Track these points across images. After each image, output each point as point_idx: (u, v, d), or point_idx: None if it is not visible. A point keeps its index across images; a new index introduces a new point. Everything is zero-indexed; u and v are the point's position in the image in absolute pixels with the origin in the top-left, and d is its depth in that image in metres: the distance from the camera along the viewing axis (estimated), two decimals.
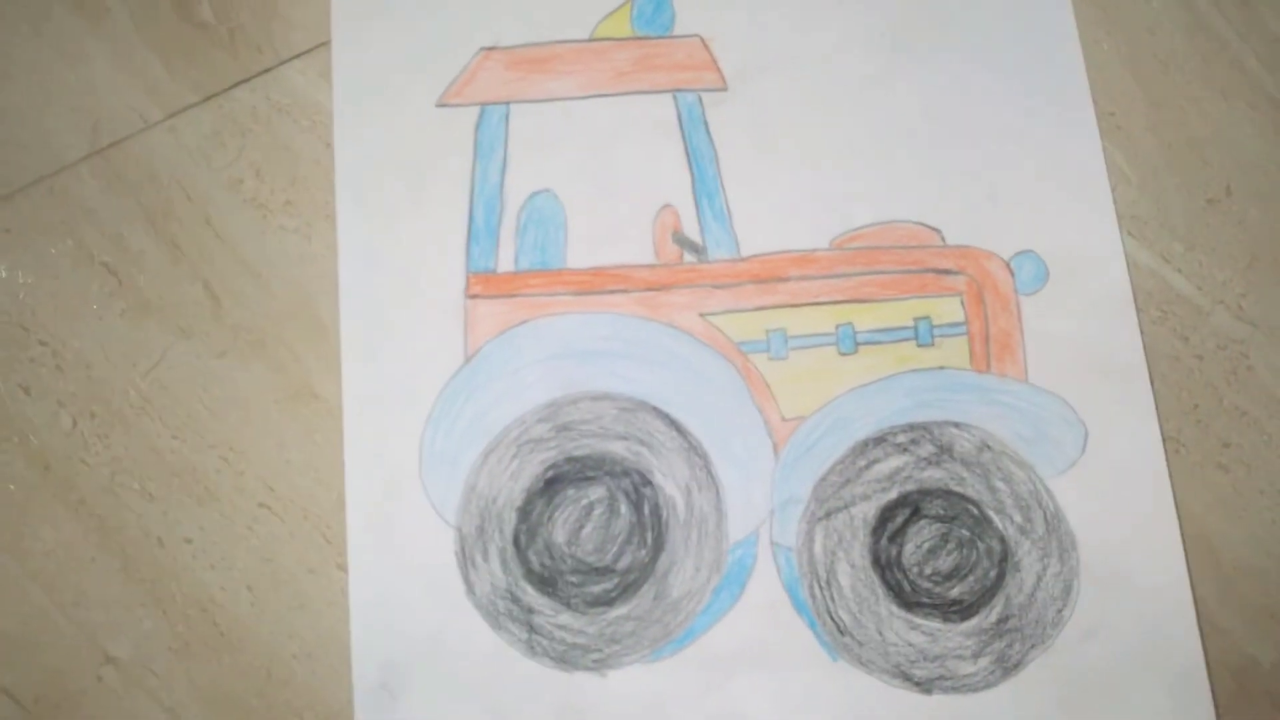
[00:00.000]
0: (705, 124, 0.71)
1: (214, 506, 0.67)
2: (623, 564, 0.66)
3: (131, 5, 0.73)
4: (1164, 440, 0.66)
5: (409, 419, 0.67)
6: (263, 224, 0.70)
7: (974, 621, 0.65)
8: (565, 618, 0.65)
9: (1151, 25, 0.73)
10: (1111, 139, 0.71)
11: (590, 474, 0.66)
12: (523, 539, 0.66)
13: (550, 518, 0.66)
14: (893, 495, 0.66)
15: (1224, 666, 0.64)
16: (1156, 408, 0.67)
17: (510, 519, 0.66)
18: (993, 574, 0.65)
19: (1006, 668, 0.64)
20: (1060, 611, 0.64)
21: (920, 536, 0.66)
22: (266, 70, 0.72)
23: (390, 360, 0.67)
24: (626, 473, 0.66)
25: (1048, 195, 0.70)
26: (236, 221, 0.70)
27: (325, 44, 0.72)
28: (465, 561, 0.65)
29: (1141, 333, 0.68)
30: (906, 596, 0.65)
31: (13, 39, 0.73)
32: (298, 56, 0.72)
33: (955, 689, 0.64)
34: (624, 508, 0.66)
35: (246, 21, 0.73)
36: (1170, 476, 0.66)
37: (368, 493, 0.66)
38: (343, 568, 0.65)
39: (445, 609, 0.65)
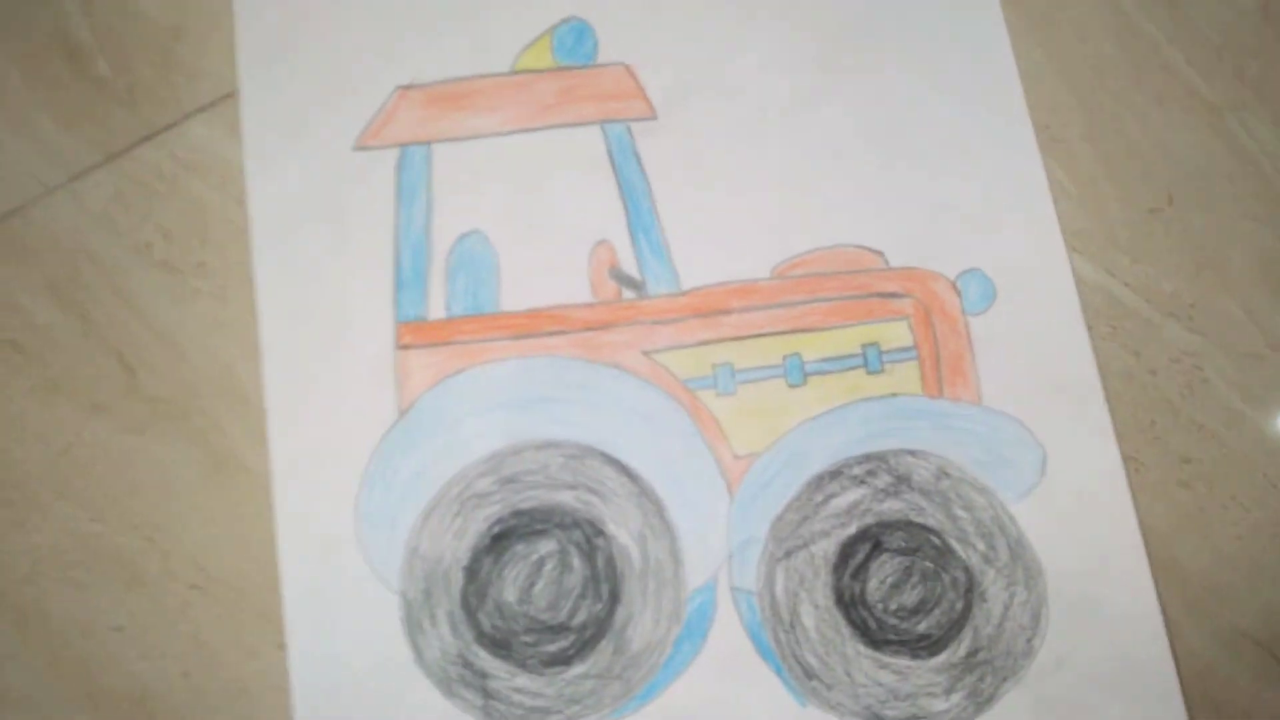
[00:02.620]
0: (636, 154, 0.69)
1: (142, 591, 0.64)
2: (578, 620, 0.63)
3: (21, 64, 0.70)
4: (1123, 459, 0.66)
5: (342, 482, 0.64)
6: (176, 288, 0.67)
7: (943, 656, 0.63)
8: (522, 680, 0.63)
9: (1081, 33, 0.73)
10: (1049, 151, 0.70)
11: (539, 527, 0.64)
12: (472, 600, 0.63)
13: (500, 576, 0.64)
14: (852, 530, 0.64)
15: (1199, 687, 0.64)
16: (1114, 425, 0.66)
17: (457, 580, 0.63)
18: (959, 605, 0.64)
19: (979, 702, 0.63)
20: (1030, 641, 0.63)
21: (883, 571, 0.64)
22: (170, 125, 0.69)
23: (319, 421, 0.65)
24: (577, 524, 0.64)
25: (990, 212, 0.69)
26: (148, 287, 0.67)
27: (231, 95, 0.69)
28: (412, 628, 0.63)
29: (1093, 349, 0.67)
30: (873, 634, 0.64)
31: None
32: (202, 110, 0.69)
33: None
34: (576, 561, 0.64)
35: (146, 75, 0.70)
36: (1132, 496, 0.65)
37: (303, 563, 0.63)
38: (282, 647, 0.62)
39: (394, 680, 0.62)
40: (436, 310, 0.66)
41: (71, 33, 0.70)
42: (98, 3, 0.71)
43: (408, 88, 0.70)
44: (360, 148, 0.69)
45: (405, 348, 0.66)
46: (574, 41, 0.70)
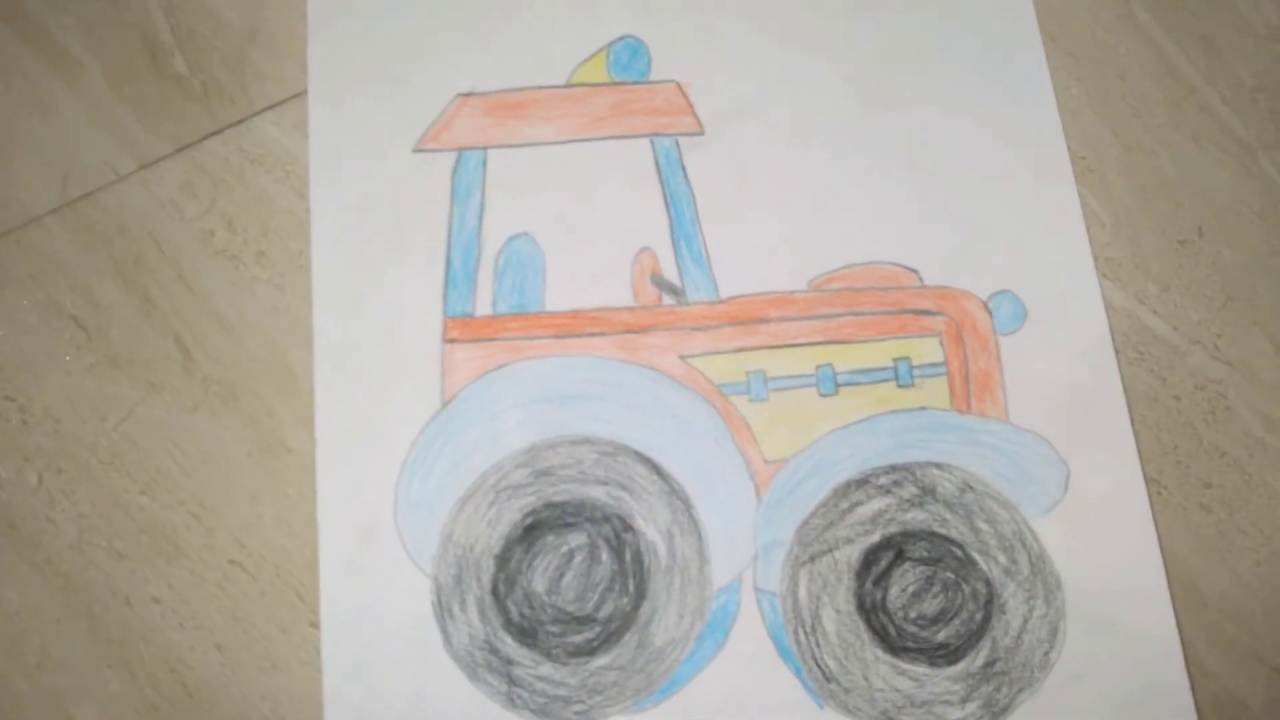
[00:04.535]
0: (683, 168, 0.71)
1: (183, 564, 0.65)
2: (604, 612, 0.64)
3: (104, 58, 0.73)
4: (1146, 481, 0.66)
5: (384, 466, 0.66)
6: (235, 275, 0.70)
7: (961, 665, 0.64)
8: (546, 669, 0.64)
9: (1121, 71, 0.74)
10: (1084, 182, 0.72)
11: (570, 520, 0.65)
12: (501, 588, 0.64)
13: (529, 566, 0.65)
14: (876, 538, 0.65)
15: (1213, 710, 0.64)
16: (1137, 448, 0.67)
17: (488, 567, 0.65)
18: (978, 617, 0.65)
19: (995, 712, 0.63)
20: (1047, 654, 0.64)
21: (905, 580, 0.65)
22: (240, 121, 0.72)
23: (365, 407, 0.67)
24: (607, 518, 0.65)
25: (1024, 236, 0.70)
26: (209, 273, 0.70)
27: (299, 95, 0.72)
28: (442, 612, 0.64)
29: (1120, 373, 0.68)
30: (892, 641, 0.64)
31: None
32: (271, 107, 0.72)
33: None
34: (605, 554, 0.65)
35: (220, 73, 0.73)
36: (1154, 517, 0.66)
37: (341, 543, 0.64)
38: (315, 625, 0.64)
39: (421, 662, 0.63)
40: (483, 307, 0.68)
41: (153, 32, 0.74)
42: (180, 6, 0.74)
43: (468, 95, 0.72)
44: (419, 150, 0.71)
45: (451, 341, 0.68)
46: (629, 58, 0.73)
